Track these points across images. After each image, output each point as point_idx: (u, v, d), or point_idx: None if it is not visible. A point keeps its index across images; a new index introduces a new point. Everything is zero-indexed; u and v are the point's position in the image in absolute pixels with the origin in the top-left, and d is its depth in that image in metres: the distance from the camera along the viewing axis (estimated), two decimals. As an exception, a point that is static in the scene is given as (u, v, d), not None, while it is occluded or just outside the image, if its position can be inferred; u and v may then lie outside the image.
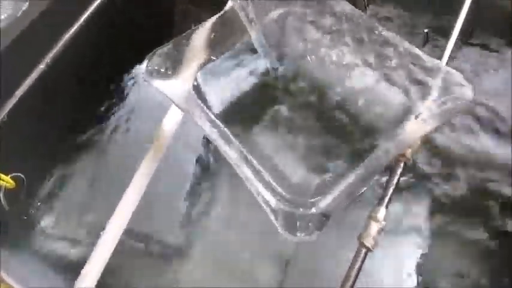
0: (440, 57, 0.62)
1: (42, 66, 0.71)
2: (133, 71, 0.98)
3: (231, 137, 0.52)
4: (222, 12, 0.64)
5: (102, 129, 0.92)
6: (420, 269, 0.71)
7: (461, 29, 0.70)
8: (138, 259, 0.77)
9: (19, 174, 0.74)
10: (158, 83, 0.57)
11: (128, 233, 0.74)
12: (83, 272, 0.57)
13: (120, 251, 0.64)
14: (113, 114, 0.94)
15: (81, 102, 0.88)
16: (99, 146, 0.91)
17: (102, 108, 0.94)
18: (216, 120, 0.54)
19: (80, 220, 0.83)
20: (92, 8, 0.78)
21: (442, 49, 0.67)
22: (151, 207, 0.78)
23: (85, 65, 0.84)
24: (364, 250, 0.48)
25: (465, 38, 0.87)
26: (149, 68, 0.58)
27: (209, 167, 0.87)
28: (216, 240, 0.79)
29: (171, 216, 0.81)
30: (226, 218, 0.81)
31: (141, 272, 0.76)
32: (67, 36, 0.75)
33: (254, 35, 0.60)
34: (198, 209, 0.82)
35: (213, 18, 0.64)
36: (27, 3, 0.76)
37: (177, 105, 0.57)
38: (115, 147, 0.91)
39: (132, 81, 0.97)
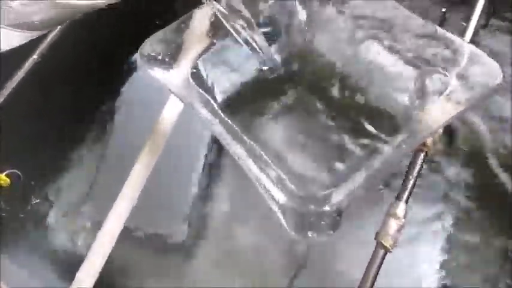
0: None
1: (35, 57, 0.68)
2: (134, 59, 0.94)
3: (235, 128, 0.48)
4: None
5: (103, 121, 0.88)
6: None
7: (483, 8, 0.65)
8: (140, 258, 0.74)
9: (15, 170, 0.71)
10: (154, 71, 0.52)
11: (129, 231, 0.71)
12: (78, 274, 0.53)
13: (120, 249, 0.61)
14: (114, 105, 0.90)
15: (80, 92, 0.84)
16: (99, 139, 0.87)
17: (102, 100, 0.90)
18: (219, 110, 0.50)
19: (81, 217, 0.80)
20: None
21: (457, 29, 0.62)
22: (154, 204, 0.75)
23: (82, 55, 0.81)
24: (382, 251, 0.43)
25: (487, 17, 0.81)
26: (144, 54, 0.53)
27: (216, 160, 0.83)
28: (223, 238, 0.76)
29: (175, 213, 0.77)
30: (234, 214, 0.77)
31: (143, 272, 0.73)
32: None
33: (244, 33, 0.54)
34: (204, 205, 0.79)
35: None
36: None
37: (175, 95, 0.53)
38: (117, 140, 0.87)
39: (133, 71, 0.93)
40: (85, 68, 0.83)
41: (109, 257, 0.56)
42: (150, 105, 0.82)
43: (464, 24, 0.66)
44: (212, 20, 0.59)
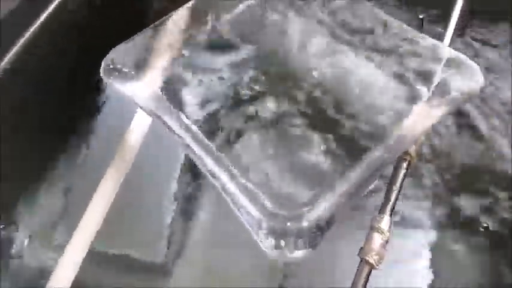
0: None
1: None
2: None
3: (207, 142, 0.45)
4: (192, 1, 0.57)
5: (76, 136, 0.85)
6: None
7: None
8: (117, 280, 0.70)
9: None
10: (119, 84, 0.49)
11: (104, 253, 0.68)
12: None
13: (96, 272, 0.57)
14: (86, 120, 0.86)
15: (49, 108, 0.80)
16: (72, 157, 0.83)
17: (74, 116, 0.86)
18: (190, 124, 0.47)
19: (53, 241, 0.76)
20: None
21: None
22: (131, 223, 0.71)
23: (50, 68, 0.77)
24: (367, 268, 0.41)
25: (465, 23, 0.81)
26: (109, 66, 0.50)
27: (193, 177, 0.80)
28: (204, 257, 0.72)
29: (154, 232, 0.74)
30: (214, 231, 0.74)
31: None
32: (26, 38, 0.68)
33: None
34: (183, 224, 0.75)
35: (183, 8, 0.57)
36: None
37: (143, 109, 0.50)
38: (91, 156, 0.83)
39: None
40: (55, 82, 0.79)
41: (80, 281, 0.53)
42: (126, 119, 0.80)
43: (443, 30, 0.65)
44: (184, 28, 0.57)
